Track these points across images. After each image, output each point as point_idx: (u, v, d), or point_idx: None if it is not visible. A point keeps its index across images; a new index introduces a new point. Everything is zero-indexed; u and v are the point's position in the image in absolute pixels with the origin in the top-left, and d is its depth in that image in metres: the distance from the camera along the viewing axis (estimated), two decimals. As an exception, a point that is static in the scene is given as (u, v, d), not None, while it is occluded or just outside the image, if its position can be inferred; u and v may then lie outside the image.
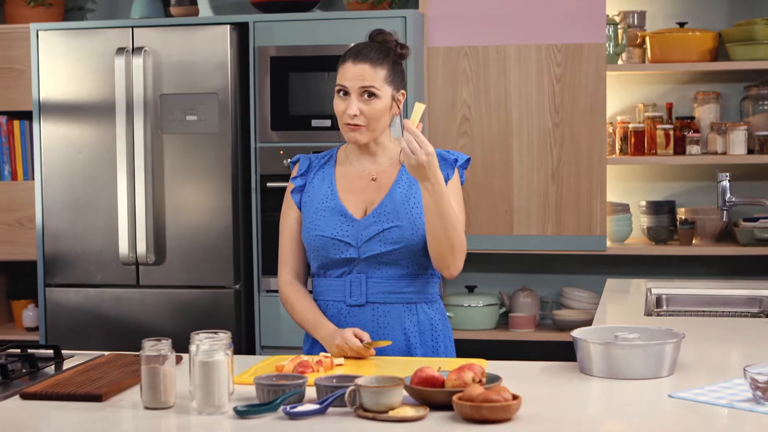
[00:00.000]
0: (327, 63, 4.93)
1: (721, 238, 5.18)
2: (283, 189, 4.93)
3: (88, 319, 5.10)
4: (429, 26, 5.13)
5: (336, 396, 2.50)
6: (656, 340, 2.82)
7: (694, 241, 5.15)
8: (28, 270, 5.44)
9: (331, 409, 2.50)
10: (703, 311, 4.06)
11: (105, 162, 5.05)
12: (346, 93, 3.15)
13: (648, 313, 3.85)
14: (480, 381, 2.54)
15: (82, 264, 5.11)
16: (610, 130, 5.22)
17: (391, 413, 2.43)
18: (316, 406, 2.48)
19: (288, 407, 2.47)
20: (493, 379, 2.60)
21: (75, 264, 5.11)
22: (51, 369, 2.98)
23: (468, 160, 3.27)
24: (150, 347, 2.57)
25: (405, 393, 2.54)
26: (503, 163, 5.11)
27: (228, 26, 4.96)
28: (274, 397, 2.53)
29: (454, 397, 2.42)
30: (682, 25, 5.13)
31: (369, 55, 3.16)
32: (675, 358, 2.80)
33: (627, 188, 5.36)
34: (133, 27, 5.03)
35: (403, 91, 3.21)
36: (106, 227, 5.06)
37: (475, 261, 5.41)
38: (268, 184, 4.99)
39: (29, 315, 5.52)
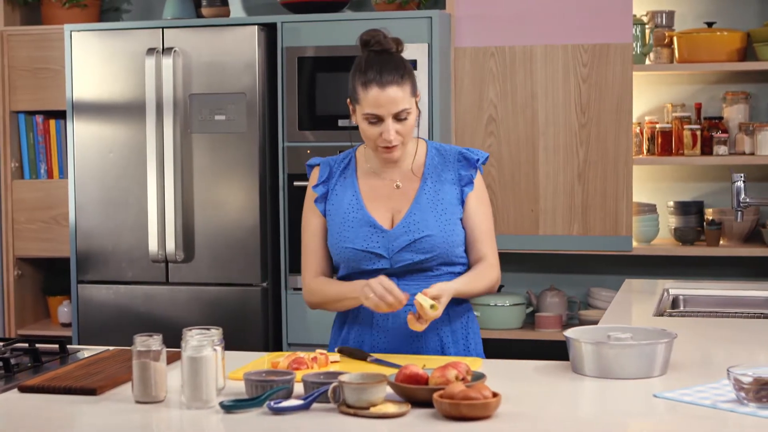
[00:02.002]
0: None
1: (749, 239, 5.15)
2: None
3: (119, 315, 5.18)
4: (456, 26, 5.15)
5: (320, 392, 2.53)
6: (648, 340, 2.82)
7: (721, 242, 5.13)
8: (64, 267, 5.53)
9: (315, 405, 2.54)
10: (719, 312, 4.03)
11: (135, 161, 5.13)
12: (380, 119, 3.10)
13: (660, 314, 3.84)
14: (464, 379, 2.56)
15: (114, 261, 5.19)
16: (638, 130, 5.21)
17: (372, 409, 2.46)
18: (300, 402, 2.52)
19: (272, 402, 2.51)
20: (478, 377, 2.62)
21: (106, 261, 5.20)
22: (56, 363, 3.03)
23: (487, 157, 3.28)
24: (140, 342, 2.62)
25: (391, 390, 2.57)
26: (529, 163, 5.12)
27: (256, 27, 5.01)
28: (262, 392, 2.57)
29: (435, 395, 2.45)
30: (710, 25, 5.10)
31: (393, 75, 3.07)
32: (667, 358, 2.80)
33: (656, 188, 5.34)
34: (163, 28, 5.10)
35: (419, 92, 3.19)
36: (137, 225, 5.14)
37: (502, 260, 5.37)
38: (296, 183, 5.04)
39: (64, 311, 5.62)
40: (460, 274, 3.22)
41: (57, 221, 5.51)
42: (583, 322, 5.17)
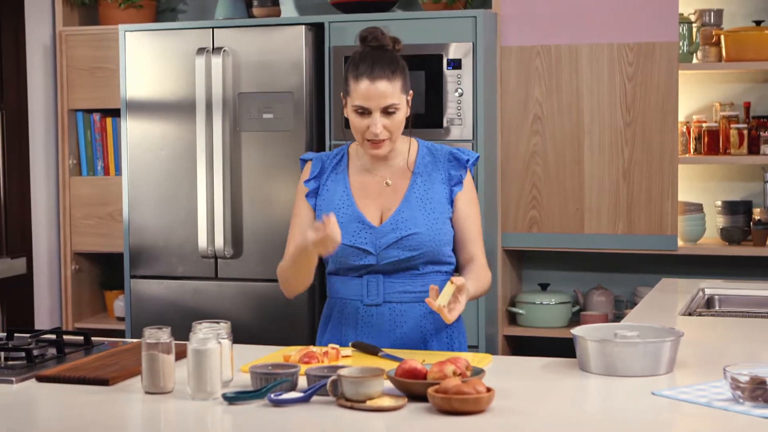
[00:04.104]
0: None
1: (797, 239, 5.11)
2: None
3: (169, 310, 5.29)
4: (502, 25, 5.17)
5: (320, 386, 2.59)
6: (655, 338, 2.83)
7: (768, 242, 5.09)
8: (120, 262, 5.65)
9: (315, 398, 2.59)
10: (753, 313, 4.00)
11: (186, 158, 5.24)
12: (368, 112, 3.16)
13: (689, 313, 3.83)
14: (462, 374, 2.60)
15: (165, 256, 5.30)
16: (685, 129, 5.19)
17: (369, 403, 2.51)
18: (299, 395, 2.57)
19: (273, 395, 2.57)
20: (477, 372, 2.65)
21: (158, 256, 5.31)
22: (80, 355, 3.12)
23: (477, 158, 3.32)
24: (150, 335, 2.70)
25: (390, 384, 2.62)
26: (575, 162, 5.12)
27: (304, 27, 5.08)
28: (266, 384, 2.64)
29: (430, 389, 2.49)
30: (758, 23, 5.07)
31: (384, 69, 3.14)
32: (673, 356, 2.81)
33: (704, 188, 5.31)
34: (213, 28, 5.20)
35: (411, 91, 3.24)
36: (187, 221, 5.24)
37: (547, 259, 5.44)
38: (342, 181, 5.09)
39: (120, 305, 5.74)
40: (447, 273, 3.28)
41: (113, 217, 5.64)
42: (628, 321, 5.16)
